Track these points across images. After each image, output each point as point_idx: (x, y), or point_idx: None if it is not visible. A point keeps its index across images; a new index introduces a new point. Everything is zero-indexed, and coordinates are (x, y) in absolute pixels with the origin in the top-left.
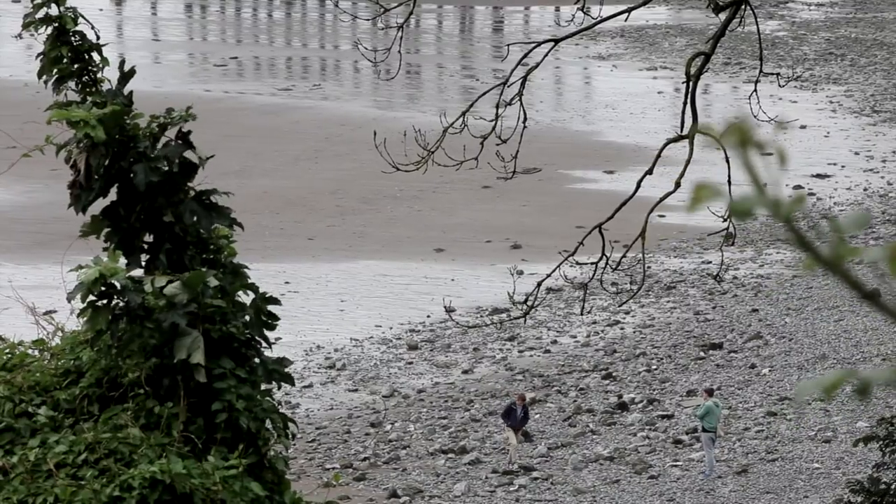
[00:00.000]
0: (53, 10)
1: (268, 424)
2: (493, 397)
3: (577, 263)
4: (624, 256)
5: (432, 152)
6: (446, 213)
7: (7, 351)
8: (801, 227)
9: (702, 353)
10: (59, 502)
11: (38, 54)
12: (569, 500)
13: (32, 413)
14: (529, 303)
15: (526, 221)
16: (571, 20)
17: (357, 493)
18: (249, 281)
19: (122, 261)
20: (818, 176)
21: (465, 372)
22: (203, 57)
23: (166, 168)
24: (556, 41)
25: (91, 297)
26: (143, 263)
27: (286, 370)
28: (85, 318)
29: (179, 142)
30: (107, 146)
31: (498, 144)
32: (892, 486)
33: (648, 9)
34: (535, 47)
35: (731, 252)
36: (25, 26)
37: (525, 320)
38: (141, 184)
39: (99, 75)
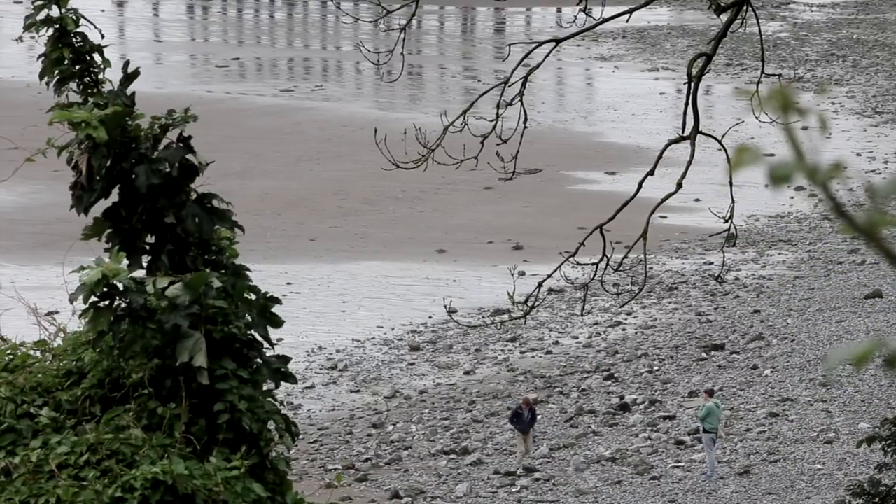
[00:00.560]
0: (54, 12)
1: (270, 425)
2: (494, 398)
3: (579, 264)
4: (625, 257)
5: (433, 150)
6: (448, 214)
7: (9, 352)
8: (839, 194)
9: (703, 354)
10: (61, 503)
11: (40, 55)
12: (571, 500)
13: (34, 414)
14: (530, 303)
15: (527, 222)
16: (573, 21)
17: (359, 494)
18: (251, 283)
19: (125, 262)
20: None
21: (466, 373)
22: (205, 58)
23: (167, 170)
24: (558, 42)
25: (93, 298)
26: (145, 265)
27: (289, 369)
28: (87, 319)
29: (180, 145)
30: (108, 147)
31: (498, 144)
32: (894, 488)
33: (650, 10)
34: (536, 48)
35: (733, 253)
36: (26, 28)
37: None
38: (142, 185)
39: (100, 76)
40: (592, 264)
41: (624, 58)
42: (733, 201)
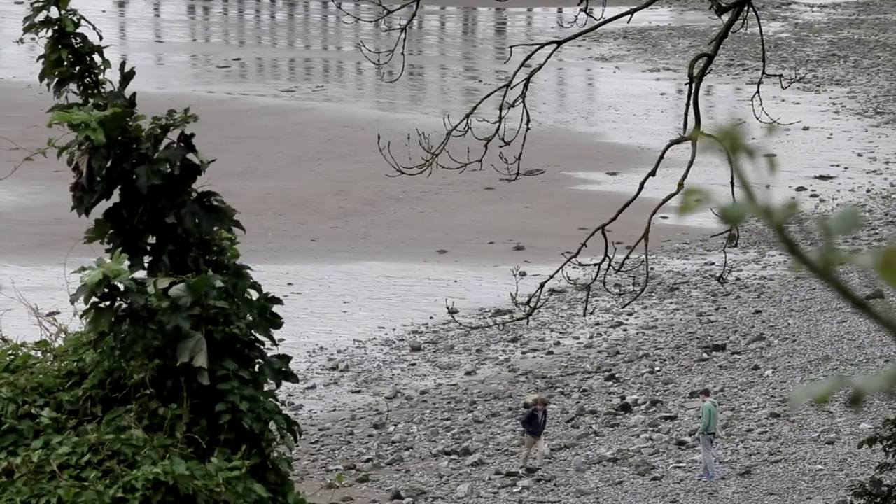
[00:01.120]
0: (54, 13)
1: (271, 425)
2: (496, 399)
3: (580, 265)
4: (627, 258)
5: (436, 155)
6: (449, 215)
7: (10, 352)
8: (793, 232)
9: (705, 355)
10: (63, 503)
11: (39, 56)
12: (572, 501)
13: (36, 414)
14: (532, 304)
15: (529, 223)
16: (574, 22)
17: (360, 495)
18: (252, 282)
19: (126, 262)
20: (821, 177)
21: (468, 373)
22: (206, 58)
23: (168, 170)
24: (559, 43)
25: (94, 299)
26: (146, 265)
27: (290, 368)
28: (88, 320)
29: (181, 144)
30: (108, 148)
31: (501, 146)
32: (895, 489)
33: (651, 10)
34: (537, 49)
35: (734, 253)
36: (26, 29)
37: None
38: (143, 186)
39: (100, 77)
40: (594, 265)
41: (625, 58)
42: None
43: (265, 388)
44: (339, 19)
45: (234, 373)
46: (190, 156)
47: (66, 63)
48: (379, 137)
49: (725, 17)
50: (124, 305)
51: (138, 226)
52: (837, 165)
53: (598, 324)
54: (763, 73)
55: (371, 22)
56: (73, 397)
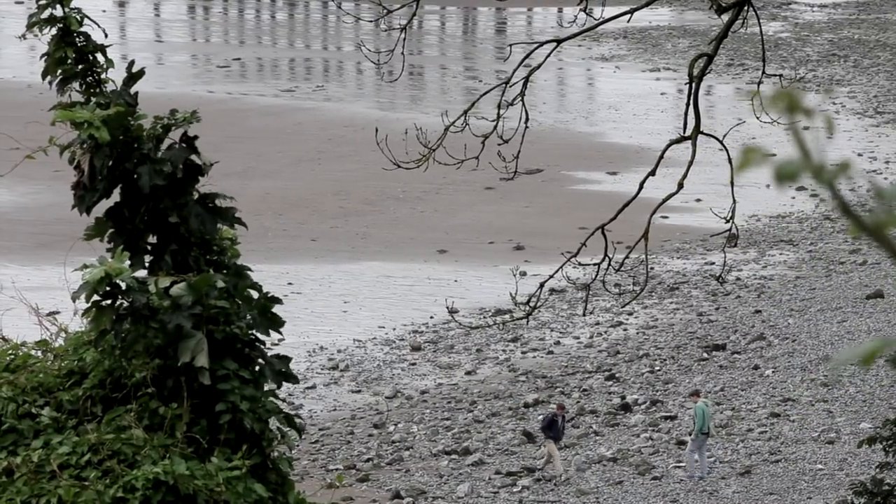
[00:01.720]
0: (58, 11)
1: (272, 425)
2: (496, 398)
3: (580, 264)
4: (627, 257)
5: (433, 150)
6: (449, 215)
7: (10, 352)
8: (845, 193)
9: (705, 355)
10: (63, 503)
11: (43, 55)
12: (572, 500)
13: (36, 414)
14: (532, 304)
15: (529, 222)
16: (574, 21)
17: (360, 495)
18: (252, 281)
19: (127, 261)
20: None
21: (468, 373)
22: (206, 58)
23: (170, 171)
24: (559, 42)
25: (95, 297)
26: (147, 264)
27: (290, 369)
28: (89, 318)
29: (183, 145)
30: (110, 147)
31: (500, 144)
32: None
33: (651, 10)
34: (537, 48)
35: (734, 253)
36: (30, 26)
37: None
38: (145, 186)
39: (103, 76)
40: (594, 264)
41: (625, 58)
42: (735, 201)
43: (266, 388)
44: (340, 19)
45: (235, 372)
46: (193, 157)
47: (69, 61)
48: (377, 131)
49: (725, 17)
50: (126, 304)
51: (139, 225)
52: (837, 165)
53: (598, 323)
54: (763, 72)
55: (371, 22)
56: (73, 397)
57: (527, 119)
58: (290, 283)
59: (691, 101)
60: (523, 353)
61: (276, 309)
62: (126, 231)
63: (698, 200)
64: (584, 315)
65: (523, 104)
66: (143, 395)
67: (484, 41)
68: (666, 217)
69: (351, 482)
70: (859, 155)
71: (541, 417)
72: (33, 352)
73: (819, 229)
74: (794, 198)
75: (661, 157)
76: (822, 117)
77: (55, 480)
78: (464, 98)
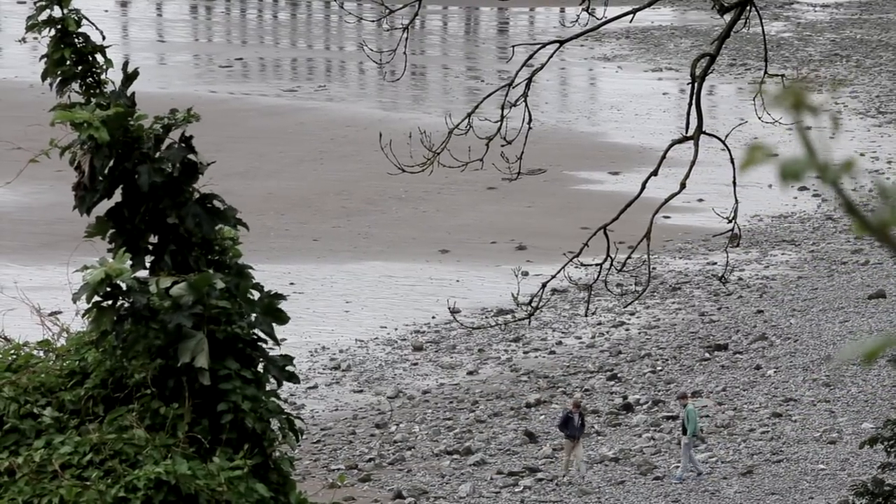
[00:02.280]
0: (56, 13)
1: (273, 425)
2: (498, 398)
3: (582, 264)
4: (629, 257)
5: (438, 153)
6: (451, 215)
7: (12, 352)
8: (849, 192)
9: (707, 355)
10: (64, 503)
11: (42, 56)
12: (574, 500)
13: (37, 414)
14: (534, 304)
15: (531, 222)
16: (576, 21)
17: (362, 494)
18: (254, 281)
19: (128, 262)
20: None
21: (470, 373)
22: (208, 58)
23: (170, 170)
24: (562, 42)
25: (96, 298)
26: (148, 265)
27: (293, 368)
28: (90, 319)
29: (182, 145)
30: (110, 148)
31: (503, 145)
32: None
33: (653, 10)
34: (540, 48)
35: (737, 253)
36: (29, 28)
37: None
38: (145, 185)
39: (103, 77)
40: (596, 264)
41: (627, 58)
42: (737, 201)
43: (267, 388)
44: (342, 19)
45: (237, 372)
46: (190, 157)
47: (68, 62)
48: (381, 136)
49: (728, 17)
50: (126, 304)
51: (140, 225)
52: (842, 164)
53: (600, 323)
54: (765, 72)
55: (373, 21)
56: (75, 397)
57: (530, 120)
58: (292, 283)
59: (693, 101)
60: (525, 353)
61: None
62: (126, 231)
63: (700, 200)
64: (586, 315)
65: (526, 105)
66: (144, 395)
67: (486, 41)
68: (668, 217)
69: (353, 482)
70: (861, 155)
71: (558, 417)
72: (35, 352)
73: (821, 229)
74: (796, 198)
75: (664, 157)
76: (828, 115)
77: (57, 480)
78: (466, 98)
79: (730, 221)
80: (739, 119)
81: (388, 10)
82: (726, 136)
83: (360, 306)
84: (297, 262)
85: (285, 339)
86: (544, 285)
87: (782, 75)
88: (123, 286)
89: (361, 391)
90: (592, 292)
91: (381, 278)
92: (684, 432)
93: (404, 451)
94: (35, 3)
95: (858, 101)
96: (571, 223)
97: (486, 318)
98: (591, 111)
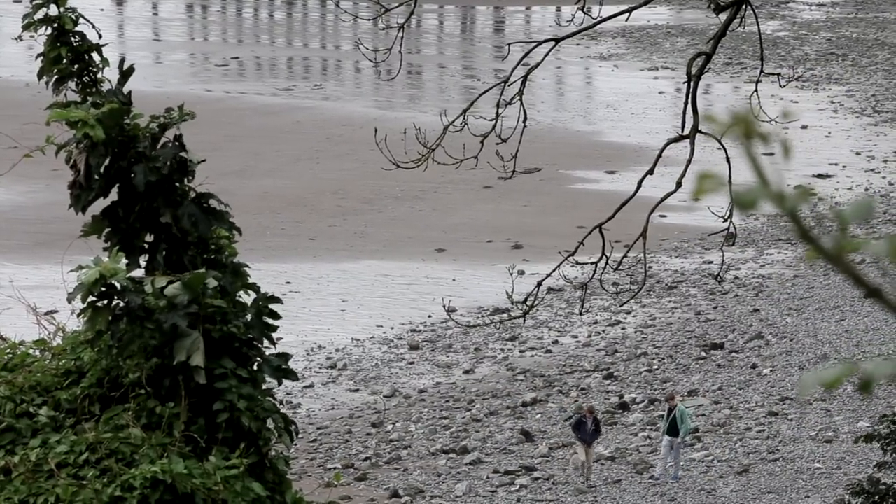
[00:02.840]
0: (53, 11)
1: (269, 424)
2: (494, 397)
3: (578, 263)
4: (625, 256)
5: (433, 150)
6: (447, 213)
7: (8, 351)
8: (806, 220)
9: (703, 353)
10: (61, 502)
11: (38, 55)
12: (570, 500)
13: (34, 413)
14: (530, 303)
15: (527, 221)
16: (572, 20)
17: (358, 494)
18: (250, 281)
19: (123, 261)
20: (819, 176)
21: (466, 372)
22: (204, 57)
23: (164, 169)
24: (557, 41)
25: (91, 298)
26: (144, 264)
27: (289, 366)
28: (85, 319)
29: (176, 143)
30: (106, 146)
31: (498, 144)
32: (893, 487)
33: (649, 9)
34: (535, 47)
35: (733, 252)
36: (25, 27)
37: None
38: (140, 184)
39: (99, 75)
40: (592, 263)
41: (623, 57)
42: (735, 193)
43: (264, 387)
44: (338, 18)
45: (232, 371)
46: (182, 154)
47: (64, 61)
48: (376, 131)
49: (723, 16)
50: (121, 304)
51: (135, 224)
52: (836, 164)
53: (596, 322)
54: (761, 71)
55: (369, 20)
56: (71, 396)
57: (525, 118)
58: (288, 282)
59: (689, 100)
60: (521, 352)
61: (275, 307)
62: (121, 230)
63: (696, 199)
64: (580, 314)
65: (521, 103)
66: (140, 395)
67: (482, 40)
68: (664, 216)
69: (349, 481)
70: (857, 154)
71: (572, 420)
72: (31, 351)
73: (817, 228)
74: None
75: (660, 155)
76: (780, 141)
77: (53, 479)
78: (462, 97)
79: (725, 220)
80: (738, 110)
81: (383, 9)
82: (722, 135)
83: (356, 305)
84: (293, 260)
85: (281, 339)
86: (540, 284)
87: (778, 74)
88: (118, 286)
89: (357, 390)
90: (588, 291)
91: (378, 277)
92: (670, 433)
93: (400, 449)
94: (31, 2)
95: (854, 100)
96: (567, 222)
97: (483, 316)
98: (587, 110)
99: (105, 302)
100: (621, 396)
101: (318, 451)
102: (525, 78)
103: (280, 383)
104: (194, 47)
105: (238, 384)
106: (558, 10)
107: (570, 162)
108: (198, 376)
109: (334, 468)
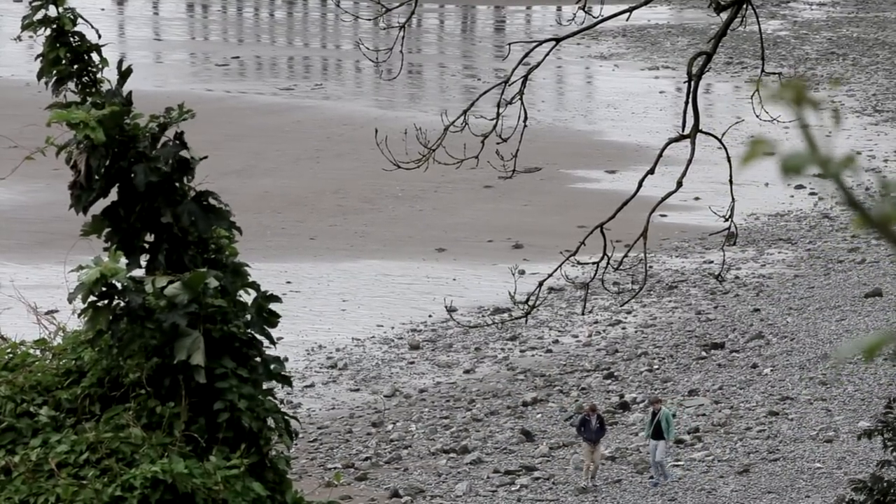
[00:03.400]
0: (52, 12)
1: (270, 423)
2: (494, 397)
3: (579, 263)
4: (625, 256)
5: (433, 150)
6: (448, 213)
7: (9, 350)
8: (851, 185)
9: (703, 353)
10: (61, 502)
11: (38, 55)
12: (570, 499)
13: (34, 413)
14: (531, 302)
15: (527, 221)
16: (573, 19)
17: (358, 493)
18: (250, 280)
19: (123, 261)
20: (820, 175)
21: (466, 372)
22: (205, 56)
23: (165, 168)
24: (558, 40)
25: (92, 298)
26: (144, 264)
27: (284, 371)
28: (86, 318)
29: (176, 142)
30: (107, 147)
31: (499, 143)
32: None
33: (650, 8)
34: (536, 46)
35: (733, 252)
36: (24, 28)
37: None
38: (140, 184)
39: (98, 76)
40: (593, 263)
41: (624, 56)
42: (733, 200)
43: (264, 386)
44: (338, 17)
45: (233, 371)
46: (183, 152)
47: (64, 61)
48: (377, 132)
49: (724, 15)
50: (122, 304)
51: (136, 224)
52: (843, 158)
53: (596, 322)
54: (762, 70)
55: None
56: (71, 396)
57: (525, 118)
58: (288, 282)
59: (690, 100)
60: (522, 351)
61: (275, 307)
62: (122, 230)
63: (697, 199)
64: (582, 314)
65: (522, 103)
66: (140, 394)
67: (483, 39)
68: (665, 215)
69: (349, 481)
70: (858, 153)
71: (575, 419)
72: (32, 350)
73: (818, 228)
74: (792, 196)
75: (660, 155)
76: (829, 111)
77: (53, 479)
78: (462, 96)
79: (726, 220)
80: (736, 117)
81: (384, 9)
82: (723, 135)
83: (356, 305)
84: (293, 260)
85: (282, 338)
86: (541, 284)
87: (779, 73)
88: (119, 286)
89: (358, 390)
90: (589, 291)
91: (378, 277)
92: (655, 437)
93: (401, 449)
94: (31, 2)
95: (855, 100)
96: (568, 221)
97: (483, 316)
98: (587, 109)
99: (105, 302)
100: (622, 396)
101: (318, 451)
102: (525, 77)
103: (282, 385)
104: (195, 47)
105: (238, 384)
106: (559, 9)
107: (571, 161)
108: (198, 376)
109: (335, 468)
